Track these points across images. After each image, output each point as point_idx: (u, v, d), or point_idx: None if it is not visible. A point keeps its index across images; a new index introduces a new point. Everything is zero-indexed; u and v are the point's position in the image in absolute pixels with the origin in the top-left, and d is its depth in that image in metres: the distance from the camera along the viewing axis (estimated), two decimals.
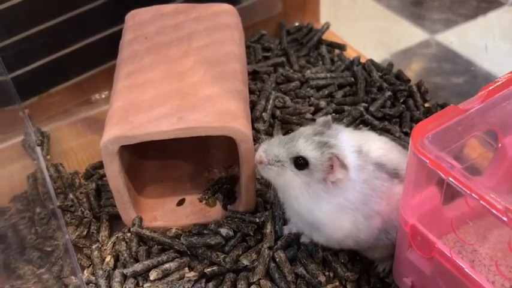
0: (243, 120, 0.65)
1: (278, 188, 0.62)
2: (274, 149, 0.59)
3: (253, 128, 0.82)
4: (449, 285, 0.56)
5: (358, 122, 0.84)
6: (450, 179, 0.48)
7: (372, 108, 0.85)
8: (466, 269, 0.52)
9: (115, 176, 0.67)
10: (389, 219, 0.60)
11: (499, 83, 0.56)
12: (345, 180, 0.57)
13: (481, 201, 0.46)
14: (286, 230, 0.70)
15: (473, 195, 0.47)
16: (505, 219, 0.45)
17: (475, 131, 0.54)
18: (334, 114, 0.87)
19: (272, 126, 0.85)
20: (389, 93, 0.88)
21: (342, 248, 0.65)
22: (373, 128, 0.83)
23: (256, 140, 0.82)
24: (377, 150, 0.61)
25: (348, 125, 0.83)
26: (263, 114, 0.85)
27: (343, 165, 0.56)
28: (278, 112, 0.87)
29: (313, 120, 0.85)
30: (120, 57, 0.78)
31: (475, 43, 1.05)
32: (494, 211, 0.46)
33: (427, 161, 0.50)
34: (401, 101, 0.89)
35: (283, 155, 0.59)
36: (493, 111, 0.56)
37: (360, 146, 0.60)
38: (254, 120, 0.84)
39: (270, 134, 0.84)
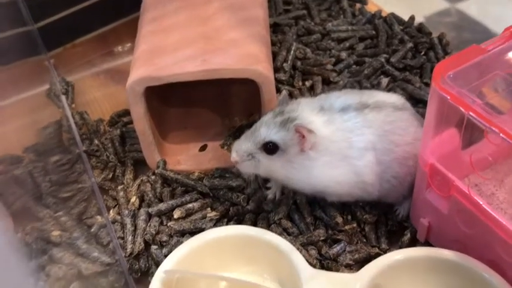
0: (266, 64, 0.66)
1: (269, 178, 0.67)
2: (242, 146, 0.62)
3: (275, 79, 0.82)
4: (466, 223, 0.57)
5: (379, 73, 0.85)
6: (471, 113, 0.49)
7: (393, 60, 0.86)
8: (483, 205, 0.53)
9: (140, 118, 0.69)
10: (383, 148, 0.61)
11: None
12: (320, 140, 0.59)
13: (501, 134, 0.47)
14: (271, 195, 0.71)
15: (494, 128, 0.48)
16: None
17: (497, 70, 0.54)
18: (354, 66, 0.87)
19: (293, 77, 0.86)
20: (410, 44, 0.88)
21: (358, 200, 0.67)
22: (394, 79, 0.83)
23: (278, 89, 0.83)
24: (336, 99, 0.63)
25: (368, 76, 0.84)
26: (284, 64, 0.86)
27: (309, 130, 0.58)
28: (299, 63, 0.88)
29: (334, 71, 0.86)
30: (144, 4, 0.79)
31: (495, 12, 1.04)
32: None
33: (448, 97, 0.51)
34: (423, 53, 0.89)
35: (251, 147, 0.61)
36: None
37: (321, 105, 0.62)
38: (275, 70, 0.84)
39: (290, 85, 0.85)
